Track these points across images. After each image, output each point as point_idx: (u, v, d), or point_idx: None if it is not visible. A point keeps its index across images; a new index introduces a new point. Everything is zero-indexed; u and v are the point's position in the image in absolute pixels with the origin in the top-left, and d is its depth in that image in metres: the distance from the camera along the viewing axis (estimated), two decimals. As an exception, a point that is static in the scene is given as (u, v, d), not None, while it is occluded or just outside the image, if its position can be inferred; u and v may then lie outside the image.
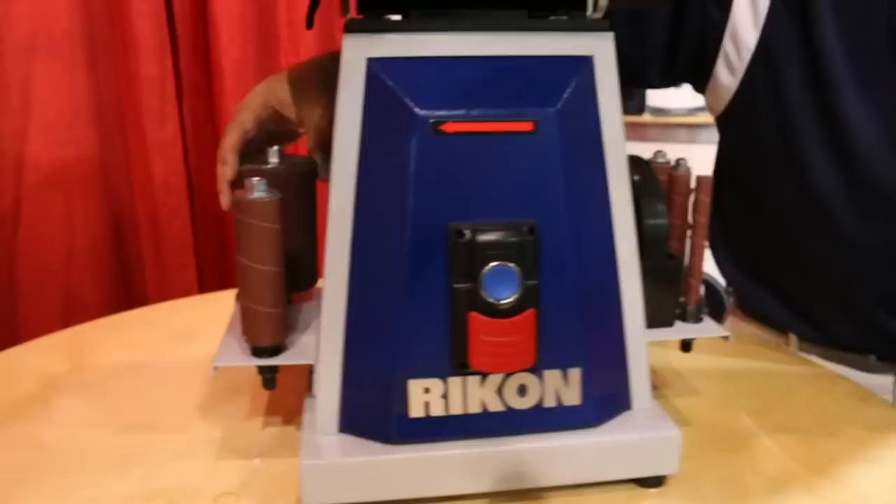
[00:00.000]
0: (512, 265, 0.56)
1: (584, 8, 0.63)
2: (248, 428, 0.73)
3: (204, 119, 1.39)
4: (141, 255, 1.36)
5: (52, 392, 0.82)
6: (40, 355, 0.92)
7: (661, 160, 0.73)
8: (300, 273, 0.71)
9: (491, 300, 0.56)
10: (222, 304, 1.08)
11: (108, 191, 1.33)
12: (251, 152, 0.73)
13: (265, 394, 0.80)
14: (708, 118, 2.80)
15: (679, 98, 2.60)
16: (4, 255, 1.23)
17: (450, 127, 0.56)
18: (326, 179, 0.74)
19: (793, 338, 0.95)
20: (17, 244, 1.24)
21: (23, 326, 1.26)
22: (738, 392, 0.82)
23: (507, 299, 0.56)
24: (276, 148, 0.70)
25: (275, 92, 0.75)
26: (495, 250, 0.56)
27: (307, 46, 1.44)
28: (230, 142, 0.71)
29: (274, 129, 0.76)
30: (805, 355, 0.94)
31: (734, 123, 0.90)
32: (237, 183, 0.71)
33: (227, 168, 0.71)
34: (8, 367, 0.89)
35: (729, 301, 1.10)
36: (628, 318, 0.64)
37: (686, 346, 0.73)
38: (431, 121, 0.55)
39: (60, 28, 1.22)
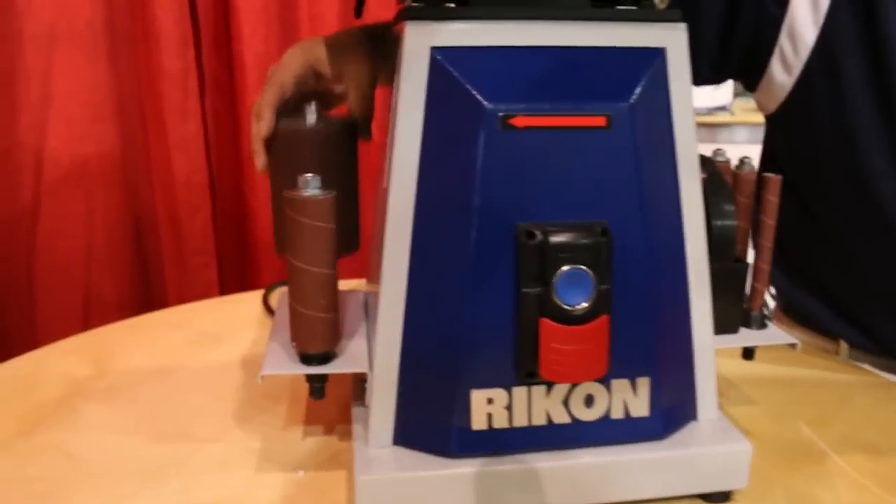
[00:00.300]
0: (585, 268, 0.52)
1: (650, -4, 0.60)
2: (287, 438, 0.70)
3: (226, 115, 1.35)
4: (161, 253, 1.33)
5: (78, 397, 0.79)
6: (63, 359, 0.88)
7: (720, 158, 0.70)
8: (343, 237, 0.67)
9: (564, 306, 0.52)
10: (245, 306, 1.05)
11: (128, 188, 1.29)
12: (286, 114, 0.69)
13: (303, 401, 0.76)
14: (728, 118, 2.76)
15: (699, 98, 2.56)
16: (23, 253, 1.19)
17: (520, 121, 0.52)
18: (368, 139, 0.70)
19: (843, 345, 0.92)
20: (35, 241, 1.20)
21: (41, 325, 1.22)
22: (794, 401, 0.78)
23: (581, 305, 0.52)
24: (313, 105, 0.66)
25: (313, 52, 0.73)
26: (568, 253, 0.52)
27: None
28: (267, 98, 0.68)
29: (308, 91, 0.73)
30: (856, 363, 0.90)
31: (788, 123, 0.87)
32: (271, 142, 0.68)
33: (262, 124, 0.67)
34: (31, 372, 0.85)
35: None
36: (696, 323, 0.61)
37: (749, 353, 0.69)
38: (501, 114, 0.52)
39: (82, 19, 1.18)
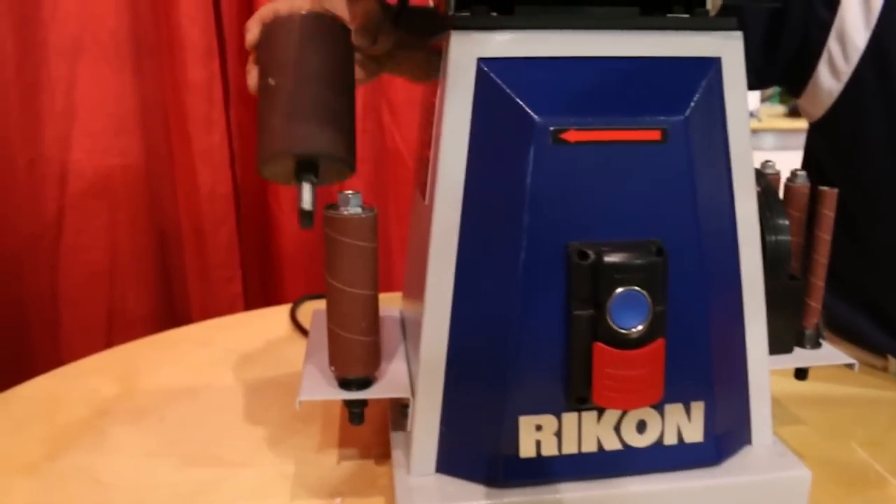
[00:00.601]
0: (641, 290, 0.50)
1: (702, 3, 0.57)
2: (322, 462, 0.68)
3: (250, 125, 1.33)
4: (184, 266, 1.31)
5: (104, 418, 0.77)
6: (89, 377, 0.86)
7: (770, 171, 0.67)
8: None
9: (618, 329, 0.49)
10: (273, 321, 1.03)
11: (152, 200, 1.27)
12: None
13: (336, 423, 0.74)
14: (755, 124, 2.71)
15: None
16: (46, 266, 1.18)
17: (571, 135, 0.50)
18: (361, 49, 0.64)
19: (892, 361, 0.89)
20: (59, 254, 1.19)
21: (64, 339, 1.20)
22: (845, 421, 0.75)
23: (636, 328, 0.50)
24: None
25: None
26: (622, 273, 0.50)
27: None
28: (259, 14, 0.63)
29: None
30: (904, 379, 0.87)
31: (834, 130, 0.84)
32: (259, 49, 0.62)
33: (249, 35, 0.62)
34: (57, 391, 0.84)
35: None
36: (751, 344, 0.58)
37: (801, 373, 0.66)
38: (552, 128, 0.50)
39: (106, 29, 1.16)
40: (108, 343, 1.25)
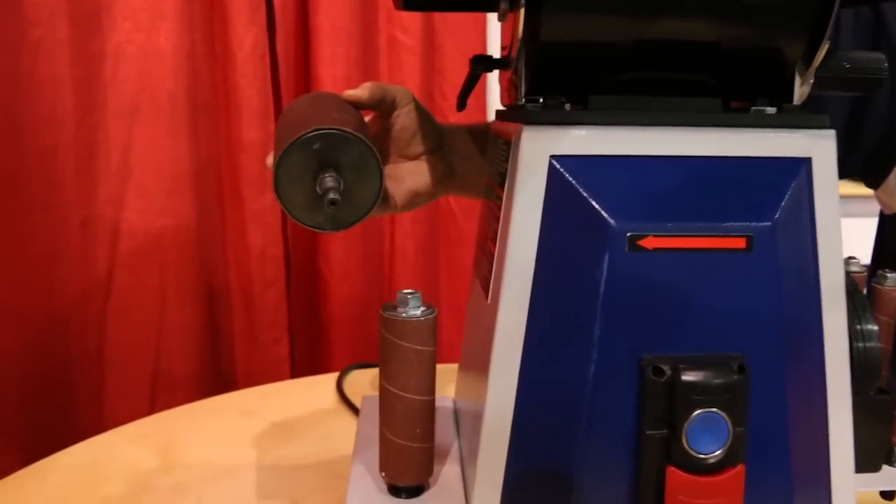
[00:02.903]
0: (720, 412, 0.46)
1: (788, 96, 0.54)
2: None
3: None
4: (232, 326, 1.29)
5: (143, 495, 0.74)
6: (129, 447, 0.84)
7: (855, 268, 0.62)
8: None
9: (695, 454, 0.45)
10: (318, 393, 1.00)
11: (202, 260, 1.26)
12: None
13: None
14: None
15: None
16: (94, 326, 1.16)
17: (650, 242, 0.46)
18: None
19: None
20: (107, 315, 1.17)
21: (108, 399, 1.18)
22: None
23: (714, 453, 0.46)
24: None
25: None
26: (701, 394, 0.46)
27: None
28: None
29: None
30: None
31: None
32: None
33: None
34: (96, 460, 0.81)
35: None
36: (836, 464, 0.54)
37: (888, 495, 0.61)
38: (629, 234, 0.46)
39: (164, 91, 1.16)
40: (152, 404, 1.23)
